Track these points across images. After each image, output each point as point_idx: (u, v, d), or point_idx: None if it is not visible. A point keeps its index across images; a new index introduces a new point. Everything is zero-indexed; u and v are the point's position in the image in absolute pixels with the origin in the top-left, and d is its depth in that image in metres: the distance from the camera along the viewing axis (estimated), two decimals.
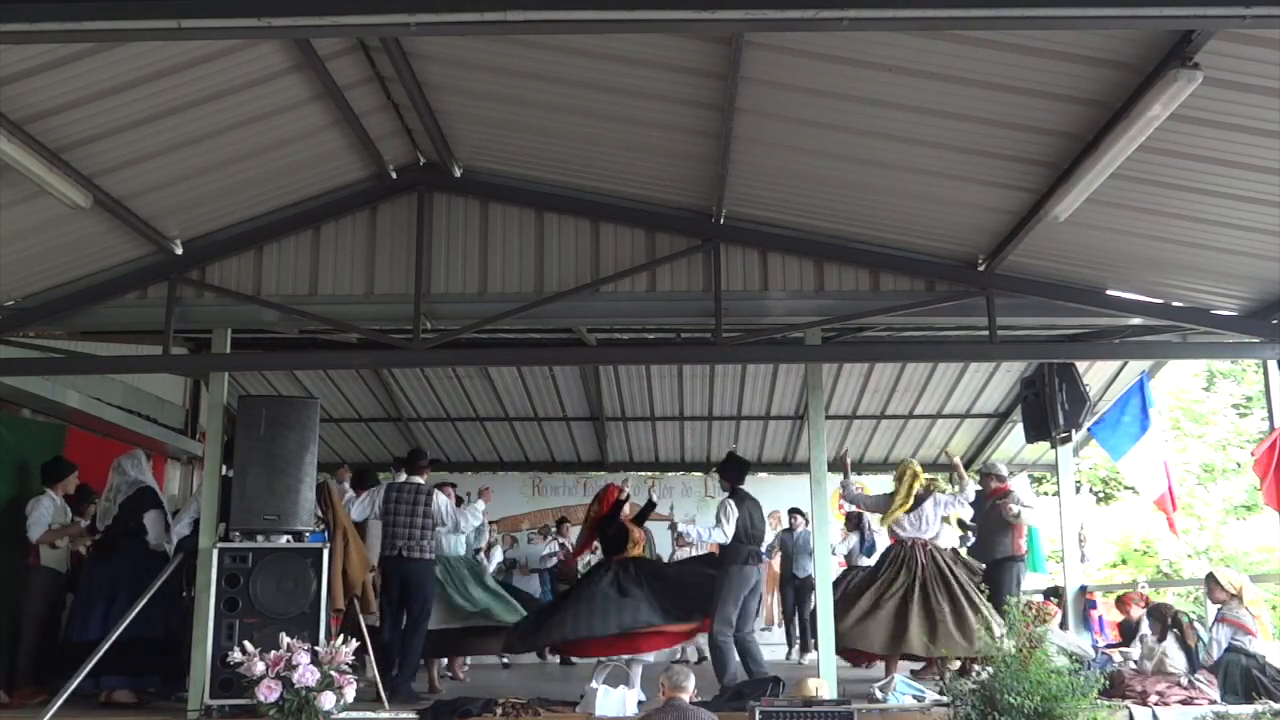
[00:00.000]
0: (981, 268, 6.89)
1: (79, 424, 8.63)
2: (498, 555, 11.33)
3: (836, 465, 8.40)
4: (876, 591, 7.80)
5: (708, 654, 7.87)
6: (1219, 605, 6.82)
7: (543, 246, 7.04)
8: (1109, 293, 6.94)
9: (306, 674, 5.26)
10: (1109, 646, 8.28)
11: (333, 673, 5.35)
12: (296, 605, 6.53)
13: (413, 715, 6.49)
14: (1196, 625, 6.95)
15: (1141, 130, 4.66)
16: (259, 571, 6.57)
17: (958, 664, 7.59)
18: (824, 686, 6.19)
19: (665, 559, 10.42)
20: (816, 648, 7.23)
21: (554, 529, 12.35)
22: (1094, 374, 9.60)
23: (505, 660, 10.63)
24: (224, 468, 7.02)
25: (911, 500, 7.94)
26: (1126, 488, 17.08)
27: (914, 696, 6.84)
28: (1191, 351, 9.02)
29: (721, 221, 6.87)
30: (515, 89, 5.84)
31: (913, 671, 8.09)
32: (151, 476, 7.70)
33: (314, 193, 6.95)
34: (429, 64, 5.70)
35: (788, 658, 11.27)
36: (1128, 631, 8.10)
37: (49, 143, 5.40)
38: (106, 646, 6.51)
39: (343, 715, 5.44)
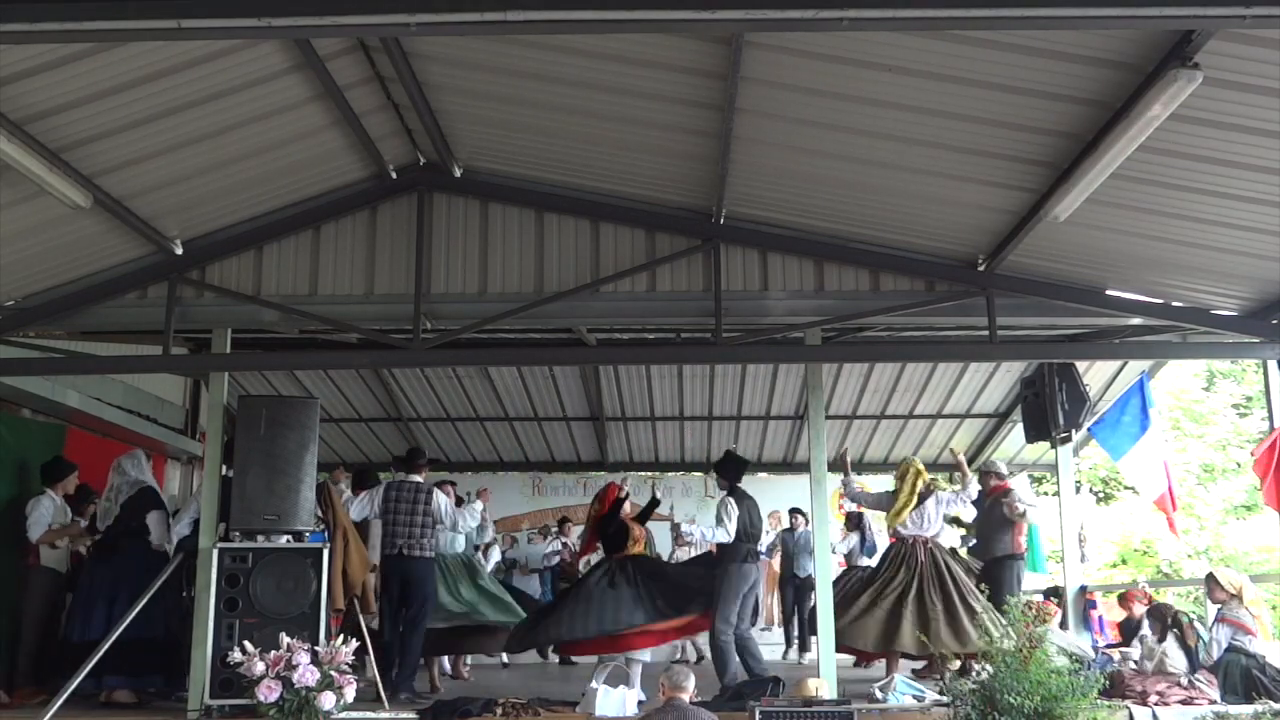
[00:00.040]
0: (981, 268, 6.89)
1: (79, 424, 8.63)
2: (495, 555, 11.33)
3: (837, 464, 8.41)
4: (875, 590, 7.82)
5: (707, 654, 7.88)
6: (1219, 605, 6.82)
7: (543, 246, 7.05)
8: (1109, 293, 6.94)
9: (306, 674, 5.26)
10: (1109, 646, 8.28)
11: (333, 673, 5.35)
12: (296, 605, 6.53)
13: (413, 715, 6.49)
14: (1196, 625, 6.95)
15: (1141, 130, 4.66)
16: (259, 571, 6.56)
17: (957, 664, 7.59)
18: (824, 686, 6.19)
19: (664, 559, 10.41)
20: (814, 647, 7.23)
21: (556, 529, 12.36)
22: (1094, 374, 9.60)
23: (505, 660, 10.64)
24: (224, 468, 7.02)
25: (915, 498, 7.94)
26: (1126, 488, 17.08)
27: (914, 696, 6.84)
28: (1191, 351, 9.02)
29: (721, 221, 6.87)
30: (515, 89, 5.84)
31: (914, 671, 8.10)
32: (151, 476, 7.71)
33: (314, 193, 6.95)
34: (429, 64, 5.70)
35: (784, 657, 11.27)
36: (1128, 631, 8.10)
37: (49, 143, 5.40)
38: (106, 646, 6.51)
39: (343, 715, 5.45)
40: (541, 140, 6.48)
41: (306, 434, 6.85)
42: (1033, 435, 9.41)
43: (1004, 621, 5.69)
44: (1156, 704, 6.38)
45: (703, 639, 9.05)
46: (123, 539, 7.19)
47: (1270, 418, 7.44)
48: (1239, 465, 17.53)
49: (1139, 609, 7.76)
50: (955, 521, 9.37)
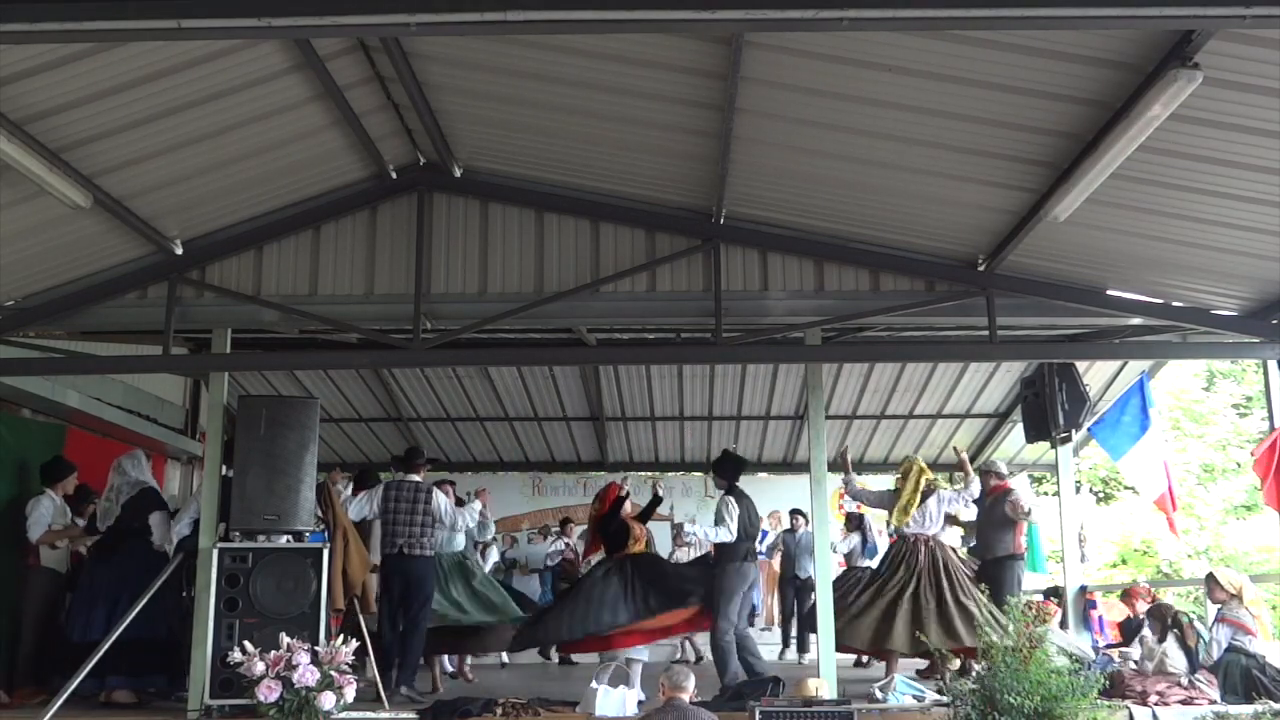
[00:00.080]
0: (981, 268, 6.89)
1: (79, 424, 8.63)
2: (494, 555, 11.33)
3: (838, 463, 8.40)
4: (875, 590, 7.83)
5: (707, 654, 7.87)
6: (1219, 605, 6.82)
7: (543, 246, 7.05)
8: (1109, 293, 6.94)
9: (306, 674, 5.26)
10: (1109, 646, 8.28)
11: (333, 673, 5.35)
12: (296, 605, 6.53)
13: (413, 715, 6.49)
14: (1196, 625, 6.95)
15: (1141, 130, 4.66)
16: (259, 571, 6.57)
17: (957, 664, 7.59)
18: (824, 686, 6.19)
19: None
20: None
21: (557, 529, 12.36)
22: (1094, 374, 9.60)
23: (505, 660, 10.64)
24: (224, 468, 7.02)
25: (919, 496, 7.95)
26: (1126, 488, 17.08)
27: (914, 696, 6.85)
28: (1191, 351, 9.02)
29: (721, 221, 6.87)
30: (515, 89, 5.84)
31: (919, 672, 8.11)
32: (151, 477, 7.71)
33: (314, 193, 6.95)
34: (429, 64, 5.70)
35: (780, 657, 11.28)
36: (1128, 631, 8.10)
37: (49, 143, 5.40)
38: (106, 646, 6.51)
39: (343, 715, 5.45)
40: (541, 140, 6.48)
41: (306, 434, 6.85)
42: (1033, 435, 9.41)
43: (1002, 621, 5.68)
44: (1156, 704, 6.38)
45: (702, 639, 9.06)
46: (124, 539, 7.19)
47: (1270, 418, 7.44)
48: (1239, 465, 17.53)
49: (1142, 606, 7.75)
50: (953, 520, 9.37)
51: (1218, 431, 18.49)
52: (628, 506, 7.99)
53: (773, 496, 12.72)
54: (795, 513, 11.39)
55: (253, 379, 10.48)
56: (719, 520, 7.35)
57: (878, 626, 7.58)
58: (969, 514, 8.74)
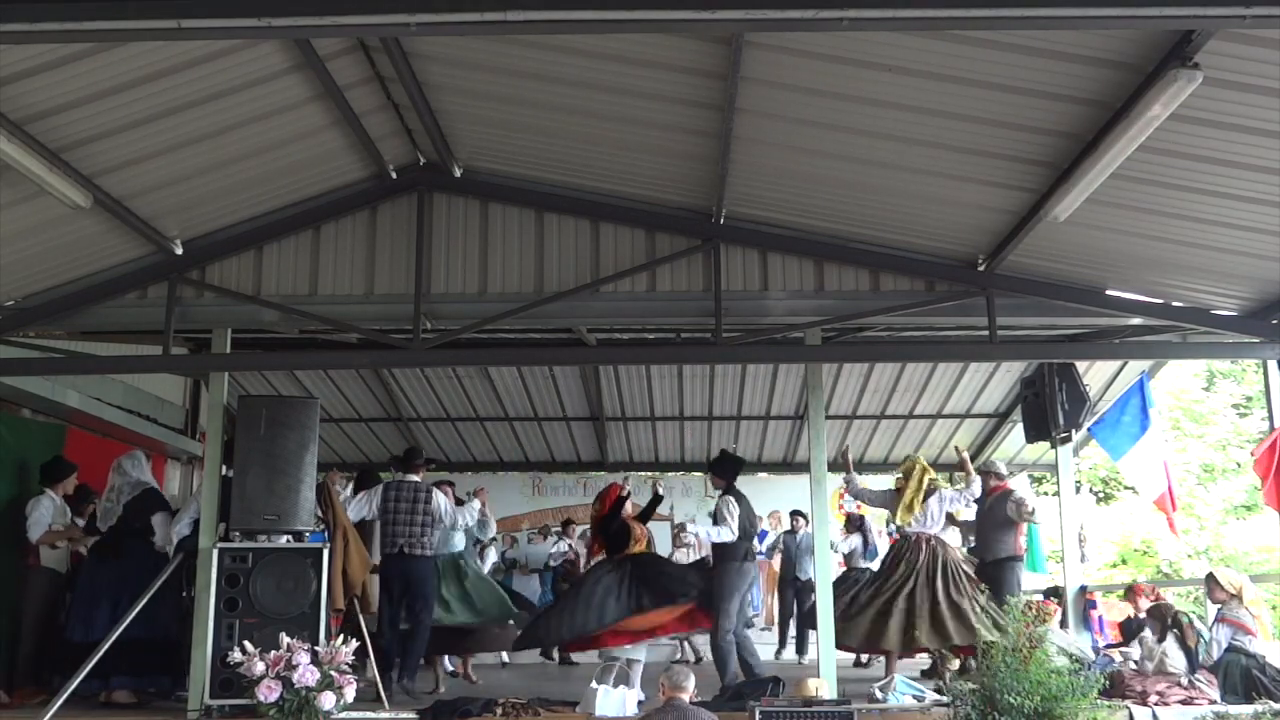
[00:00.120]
0: (981, 268, 6.89)
1: (79, 424, 8.63)
2: (493, 555, 11.32)
3: (839, 463, 8.40)
4: (874, 590, 7.84)
5: (706, 654, 7.87)
6: (1219, 605, 6.82)
7: (543, 246, 7.05)
8: (1109, 293, 6.94)
9: (306, 674, 5.26)
10: (1109, 646, 8.27)
11: (333, 673, 5.35)
12: (296, 605, 6.53)
13: (413, 715, 6.49)
14: (1197, 625, 6.95)
15: (1141, 130, 4.66)
16: (259, 571, 6.56)
17: (957, 664, 7.59)
18: (824, 686, 6.19)
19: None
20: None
21: (559, 530, 12.36)
22: (1094, 374, 9.60)
23: (505, 660, 10.64)
24: (224, 468, 7.02)
25: (923, 494, 7.95)
26: (1126, 488, 17.08)
27: (914, 696, 6.85)
28: (1191, 351, 9.02)
29: (721, 221, 6.87)
30: (515, 89, 5.84)
31: (923, 672, 8.11)
32: (151, 477, 7.71)
33: (314, 193, 6.95)
34: (429, 64, 5.70)
35: (777, 656, 11.28)
36: (1130, 630, 8.10)
37: (49, 143, 5.40)
38: (106, 646, 6.50)
39: (343, 715, 5.45)
40: (541, 140, 6.48)
41: (306, 434, 6.85)
42: (1033, 435, 9.40)
43: (999, 620, 5.69)
44: (1156, 704, 6.38)
45: (701, 639, 9.05)
46: (125, 539, 7.19)
47: (1270, 418, 7.44)
48: (1239, 465, 17.54)
49: (1145, 603, 7.75)
50: (951, 520, 9.37)
51: (1218, 431, 18.49)
52: (628, 507, 7.98)
53: (773, 496, 12.74)
54: (795, 514, 11.37)
55: (253, 379, 10.48)
56: (719, 520, 7.34)
57: (873, 625, 7.60)
58: (968, 514, 8.75)
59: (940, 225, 6.59)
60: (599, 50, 5.19)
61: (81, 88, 5.10)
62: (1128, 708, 6.33)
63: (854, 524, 10.79)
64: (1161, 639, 6.91)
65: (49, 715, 6.20)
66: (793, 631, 11.34)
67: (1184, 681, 6.61)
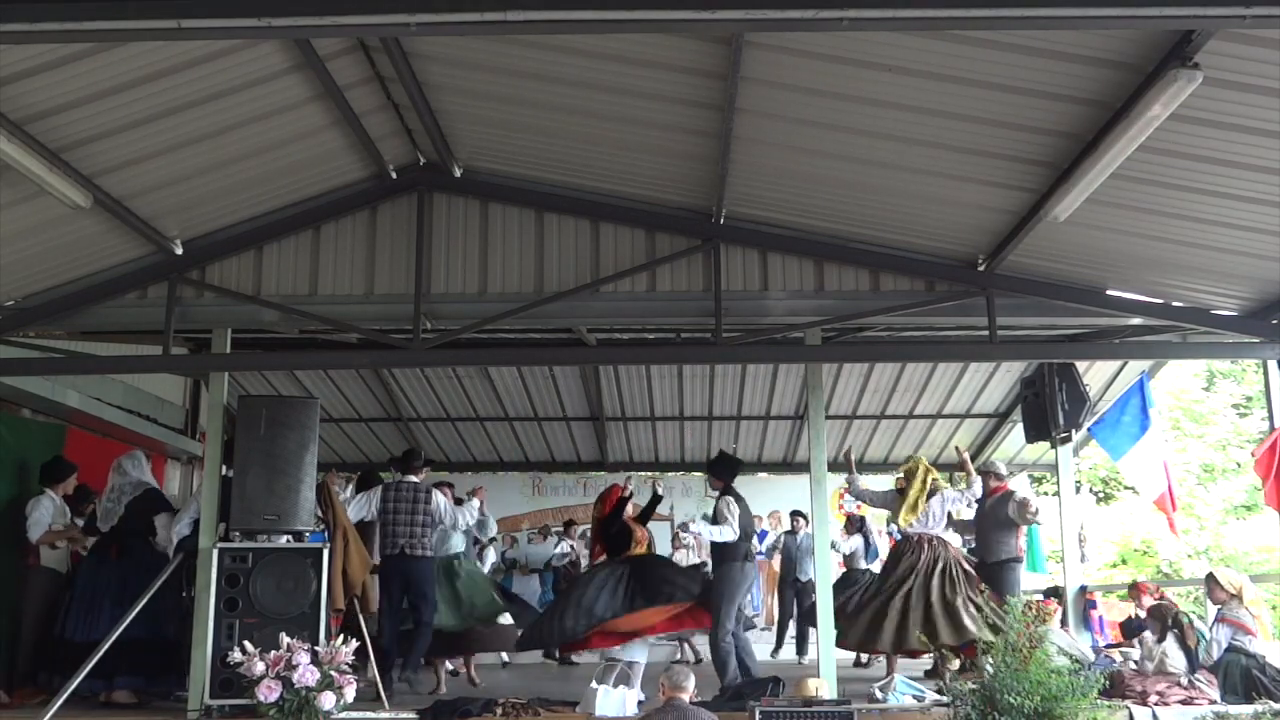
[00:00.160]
0: (981, 268, 6.89)
1: (79, 424, 8.63)
2: (492, 555, 11.31)
3: (842, 463, 8.40)
4: (873, 591, 7.84)
5: (706, 654, 7.86)
6: (1219, 605, 6.82)
7: (543, 246, 7.05)
8: (1109, 293, 6.94)
9: (306, 674, 5.26)
10: (1109, 646, 8.27)
11: (333, 673, 5.35)
12: (296, 605, 6.53)
13: (413, 715, 6.49)
14: (1197, 625, 6.95)
15: (1141, 130, 4.66)
16: (259, 571, 6.56)
17: (957, 664, 7.59)
18: (824, 686, 6.19)
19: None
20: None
21: (561, 530, 12.36)
22: (1094, 374, 9.60)
23: (505, 660, 10.64)
24: (224, 468, 7.02)
25: (926, 495, 7.95)
26: (1126, 488, 17.09)
27: (914, 696, 6.85)
28: (1191, 351, 9.02)
29: (721, 221, 6.87)
30: (515, 89, 5.84)
31: (926, 672, 8.11)
32: (151, 477, 7.71)
33: (314, 193, 6.95)
34: (429, 64, 5.70)
35: (773, 655, 11.27)
36: (1130, 629, 8.10)
37: (49, 143, 5.40)
38: (106, 646, 6.50)
39: (343, 715, 5.45)
40: (541, 140, 6.48)
41: (306, 434, 6.85)
42: (1033, 435, 9.40)
43: (995, 620, 5.68)
44: (1156, 704, 6.38)
45: (701, 640, 9.04)
46: (126, 539, 7.19)
47: (1270, 418, 7.44)
48: (1239, 465, 17.54)
49: (1148, 601, 7.75)
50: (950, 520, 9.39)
51: (1218, 431, 18.50)
52: (629, 508, 7.98)
53: (773, 496, 12.75)
54: (796, 514, 11.36)
55: (253, 379, 10.48)
56: (719, 519, 7.34)
57: (870, 626, 7.63)
58: (968, 514, 8.75)
59: (940, 225, 6.59)
60: (599, 50, 5.19)
61: (81, 88, 5.10)
62: (1128, 708, 6.33)
63: (854, 525, 10.78)
64: (1161, 639, 6.91)
65: (49, 715, 6.20)
66: (792, 631, 11.35)
67: (1184, 681, 6.61)
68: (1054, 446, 9.55)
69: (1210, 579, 7.01)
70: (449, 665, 8.93)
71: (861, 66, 4.90)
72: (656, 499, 8.40)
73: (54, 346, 7.84)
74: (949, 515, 8.19)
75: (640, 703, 6.71)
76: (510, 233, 7.06)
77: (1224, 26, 3.98)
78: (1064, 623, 9.04)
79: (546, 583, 12.01)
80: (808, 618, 9.87)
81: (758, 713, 5.64)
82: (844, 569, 10.40)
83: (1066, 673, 5.07)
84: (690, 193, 6.75)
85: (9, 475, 7.61)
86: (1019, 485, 8.66)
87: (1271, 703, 6.04)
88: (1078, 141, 5.21)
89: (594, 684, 6.71)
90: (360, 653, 5.88)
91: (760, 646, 8.25)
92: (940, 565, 7.72)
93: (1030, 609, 5.47)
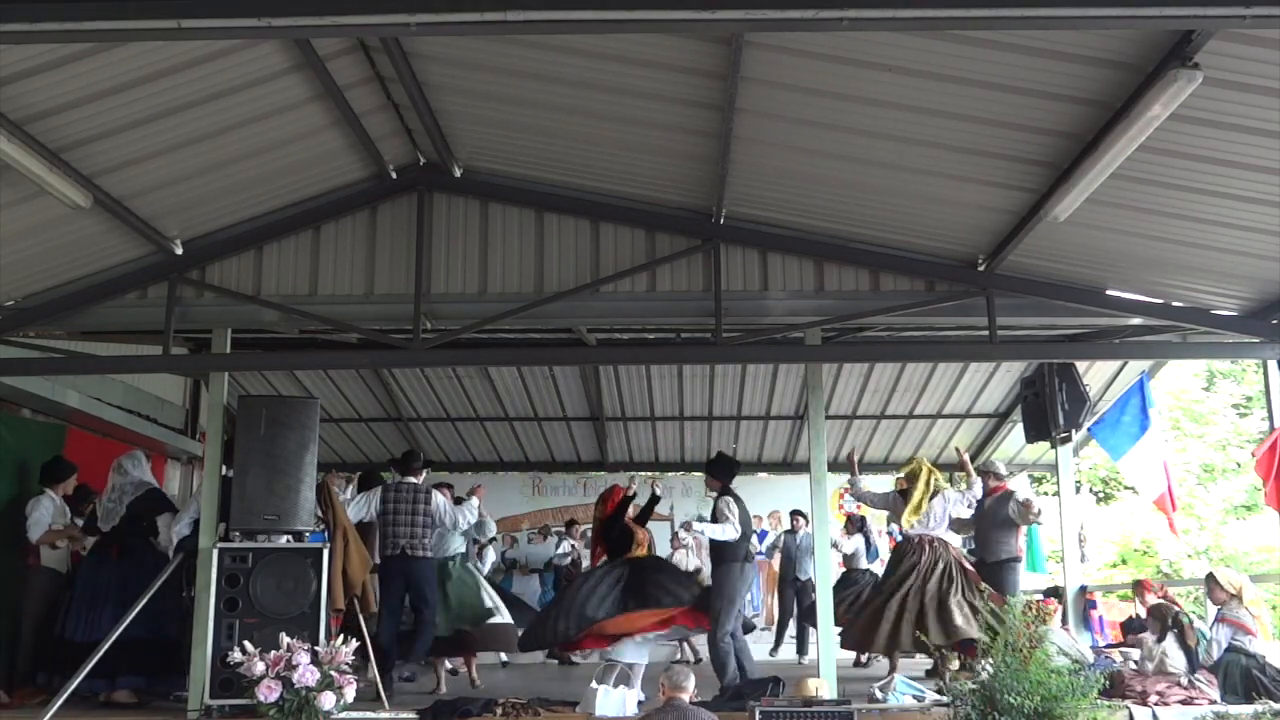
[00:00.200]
0: (981, 268, 6.89)
1: (79, 424, 8.63)
2: (491, 556, 11.30)
3: (845, 465, 8.39)
4: (875, 592, 7.85)
5: (706, 654, 7.85)
6: (1219, 605, 6.82)
7: (543, 246, 7.05)
8: (1109, 293, 6.94)
9: (306, 674, 5.26)
10: (1109, 646, 8.27)
11: (333, 673, 5.35)
12: (296, 605, 6.53)
13: (413, 715, 6.49)
14: (1197, 625, 6.95)
15: (1141, 130, 4.66)
16: (259, 571, 6.56)
17: (957, 664, 7.59)
18: (824, 686, 6.19)
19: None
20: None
21: (562, 530, 12.35)
22: (1094, 374, 9.60)
23: (505, 660, 10.63)
24: (224, 468, 7.02)
25: (929, 495, 7.95)
26: (1126, 488, 17.09)
27: (914, 696, 6.84)
28: (1191, 351, 9.02)
29: (721, 221, 6.87)
30: (515, 89, 5.84)
31: (927, 672, 8.11)
32: (152, 476, 7.71)
33: (314, 193, 6.95)
34: (429, 64, 5.70)
35: (771, 654, 11.27)
36: (1131, 629, 8.09)
37: (49, 143, 5.40)
38: (107, 647, 6.50)
39: (343, 715, 5.44)
40: (541, 140, 6.48)
41: (306, 434, 6.85)
42: (1033, 435, 9.40)
43: (991, 621, 5.67)
44: (1156, 704, 6.37)
45: (700, 640, 9.04)
46: (127, 539, 7.19)
47: (1270, 418, 7.44)
48: (1239, 465, 17.54)
49: (1152, 599, 7.76)
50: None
51: (1218, 431, 18.50)
52: (630, 509, 7.97)
53: (773, 496, 12.75)
54: (795, 514, 11.36)
55: (253, 379, 10.48)
56: (719, 518, 7.33)
57: (868, 626, 7.64)
58: (966, 514, 8.75)
59: (940, 225, 6.59)
60: (599, 50, 5.19)
61: (81, 88, 5.10)
62: (1128, 708, 6.33)
63: (855, 525, 10.78)
64: (1161, 639, 6.91)
65: (49, 715, 6.20)
66: (792, 631, 11.34)
67: (1184, 681, 6.60)
68: (1054, 446, 9.55)
69: (1210, 579, 7.01)
70: (449, 665, 8.93)
71: (861, 66, 4.90)
72: (655, 499, 8.40)
73: (54, 346, 7.84)
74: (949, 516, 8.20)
75: (640, 703, 6.71)
76: (510, 233, 7.06)
77: (1224, 26, 3.98)
78: (1064, 623, 9.05)
79: (547, 583, 12.00)
80: (808, 616, 9.87)
81: (758, 713, 5.64)
82: (844, 569, 10.40)
83: (1066, 673, 5.07)
84: (690, 193, 6.75)
85: (9, 475, 7.61)
86: (1019, 485, 8.65)
87: (1271, 703, 6.04)
88: (1078, 141, 5.21)
89: (594, 684, 6.71)
90: (360, 653, 5.88)
91: (760, 646, 8.23)
92: (941, 566, 7.72)
93: (1030, 609, 5.47)
